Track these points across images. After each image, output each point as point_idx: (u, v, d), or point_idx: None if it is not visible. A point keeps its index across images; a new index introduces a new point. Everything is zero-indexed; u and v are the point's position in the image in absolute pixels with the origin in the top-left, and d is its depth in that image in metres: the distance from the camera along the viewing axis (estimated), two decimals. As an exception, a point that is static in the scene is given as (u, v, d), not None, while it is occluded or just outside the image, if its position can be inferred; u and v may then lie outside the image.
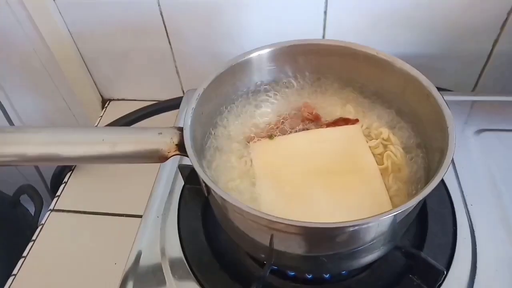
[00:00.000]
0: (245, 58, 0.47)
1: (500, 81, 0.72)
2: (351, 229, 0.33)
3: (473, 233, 0.48)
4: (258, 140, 0.47)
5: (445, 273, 0.41)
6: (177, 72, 0.80)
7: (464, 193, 0.52)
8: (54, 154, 0.39)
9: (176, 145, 0.40)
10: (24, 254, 0.63)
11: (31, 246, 0.64)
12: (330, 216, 0.40)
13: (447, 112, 0.39)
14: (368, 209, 0.40)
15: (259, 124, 0.49)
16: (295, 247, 0.37)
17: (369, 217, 0.32)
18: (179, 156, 0.41)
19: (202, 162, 0.45)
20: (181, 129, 0.41)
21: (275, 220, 0.32)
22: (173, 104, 0.75)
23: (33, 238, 0.65)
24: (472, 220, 0.49)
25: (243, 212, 0.33)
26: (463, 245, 0.47)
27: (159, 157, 0.40)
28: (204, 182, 0.36)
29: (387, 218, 0.33)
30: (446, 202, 0.51)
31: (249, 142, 0.47)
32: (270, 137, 0.47)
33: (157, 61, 0.78)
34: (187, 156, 0.38)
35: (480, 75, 0.73)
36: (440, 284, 0.44)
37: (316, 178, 0.43)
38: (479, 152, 0.56)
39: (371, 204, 0.41)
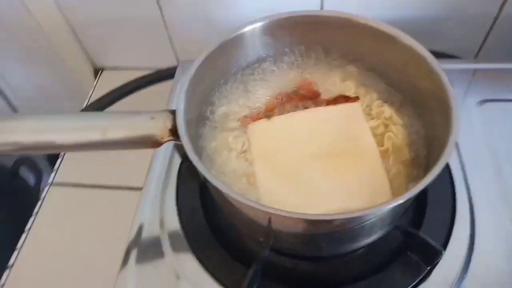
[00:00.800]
0: (239, 32, 0.45)
1: (505, 47, 0.69)
2: (349, 220, 0.32)
3: (472, 208, 0.48)
4: (255, 120, 0.45)
5: (443, 253, 0.41)
6: (170, 40, 0.76)
7: (464, 167, 0.51)
8: (43, 142, 0.37)
9: (170, 130, 0.39)
10: (26, 228, 0.64)
11: (33, 221, 0.64)
12: (328, 200, 0.39)
13: (451, 91, 0.37)
14: (367, 193, 0.39)
15: (256, 102, 0.47)
16: (293, 235, 0.37)
17: (367, 209, 0.31)
18: (173, 141, 0.39)
19: (198, 143, 0.44)
20: (174, 112, 0.39)
21: (272, 212, 0.32)
22: (168, 74, 0.72)
23: (34, 212, 0.65)
24: (472, 196, 0.49)
25: (240, 203, 0.32)
26: (462, 220, 0.47)
27: (152, 143, 0.39)
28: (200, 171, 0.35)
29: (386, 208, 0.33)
30: (446, 177, 0.50)
31: (246, 122, 0.46)
32: (268, 117, 0.45)
33: (148, 28, 0.74)
34: (181, 142, 0.37)
35: (484, 39, 0.70)
36: (438, 261, 0.44)
37: (314, 160, 0.42)
38: (481, 124, 0.55)
39: (370, 187, 0.40)
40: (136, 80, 0.72)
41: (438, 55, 0.70)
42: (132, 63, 0.82)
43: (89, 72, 0.83)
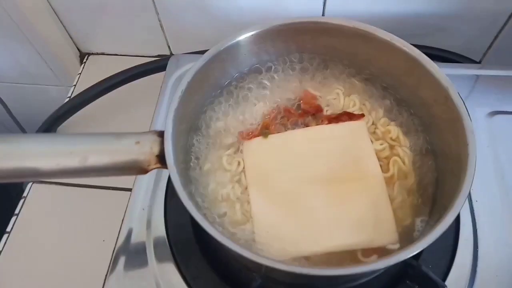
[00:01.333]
0: (233, 41, 0.40)
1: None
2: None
3: (476, 233, 0.46)
4: (251, 137, 0.42)
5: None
6: (161, 25, 0.71)
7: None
8: (17, 169, 0.34)
9: (157, 156, 0.35)
10: (8, 229, 0.61)
11: (15, 220, 0.62)
12: (330, 235, 0.36)
13: (468, 124, 0.34)
14: (371, 226, 0.37)
15: (252, 116, 0.43)
16: (287, 277, 0.34)
17: (368, 264, 0.29)
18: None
19: (190, 164, 0.41)
20: (161, 135, 0.36)
21: (266, 264, 0.29)
22: (158, 66, 0.67)
23: (16, 212, 0.62)
24: (476, 218, 0.46)
25: (231, 250, 0.30)
26: (465, 246, 0.45)
27: (138, 171, 0.36)
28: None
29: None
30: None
31: (241, 139, 0.42)
32: (265, 135, 0.42)
33: (138, 12, 0.69)
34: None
35: (495, 39, 0.66)
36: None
37: (314, 185, 0.39)
38: (489, 139, 0.51)
39: (374, 219, 0.37)
40: (124, 72, 0.67)
41: (444, 52, 0.67)
42: (120, 49, 0.77)
43: (74, 56, 0.78)
